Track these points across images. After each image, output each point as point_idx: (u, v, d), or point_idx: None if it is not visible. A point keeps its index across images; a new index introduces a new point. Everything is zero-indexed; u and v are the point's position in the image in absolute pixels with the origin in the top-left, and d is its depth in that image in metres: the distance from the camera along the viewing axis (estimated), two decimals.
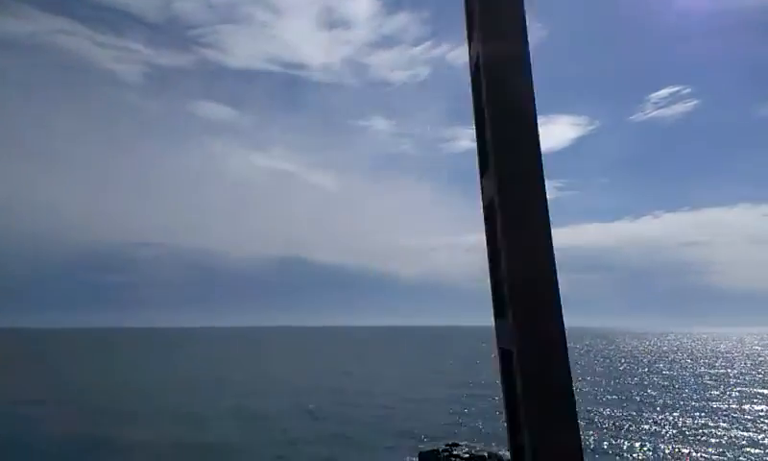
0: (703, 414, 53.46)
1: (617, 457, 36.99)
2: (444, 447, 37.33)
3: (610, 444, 40.70)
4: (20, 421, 49.88)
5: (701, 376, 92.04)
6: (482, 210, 2.55)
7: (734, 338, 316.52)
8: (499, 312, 2.47)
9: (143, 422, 49.79)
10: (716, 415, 53.15)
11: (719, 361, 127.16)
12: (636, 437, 43.15)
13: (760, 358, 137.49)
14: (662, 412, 54.71)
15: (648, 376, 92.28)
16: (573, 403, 2.13)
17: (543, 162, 2.24)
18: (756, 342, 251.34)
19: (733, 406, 58.60)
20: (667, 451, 38.46)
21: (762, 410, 56.07)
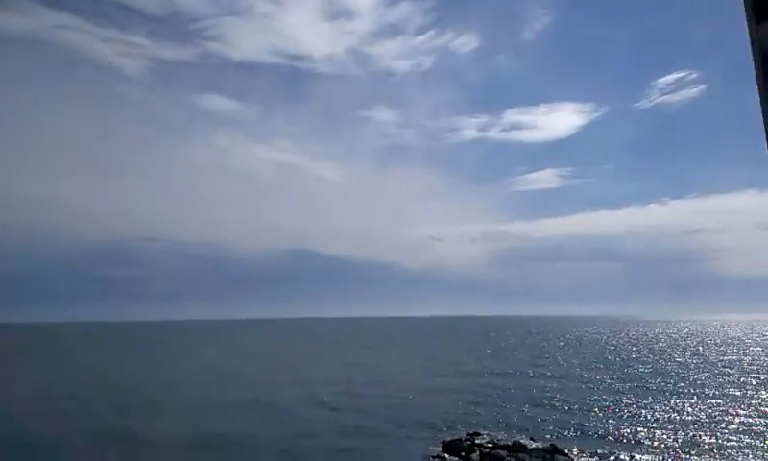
0: (720, 401, 53.34)
1: (639, 445, 36.94)
2: (465, 436, 37.53)
3: (630, 431, 40.66)
4: (40, 415, 50.37)
5: (714, 363, 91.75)
6: (754, 57, 2.44)
7: (743, 325, 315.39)
8: None
9: (162, 414, 50.17)
10: (735, 402, 53.02)
11: (730, 348, 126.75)
12: (656, 424, 43.10)
13: None
14: (679, 399, 54.61)
15: (661, 363, 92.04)
16: None
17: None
18: (765, 328, 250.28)
19: (751, 393, 58.43)
20: (688, 438, 38.39)
21: None
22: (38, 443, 39.38)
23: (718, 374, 75.69)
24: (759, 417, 45.62)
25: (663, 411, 48.36)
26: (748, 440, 38.11)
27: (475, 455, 31.40)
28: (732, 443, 37.30)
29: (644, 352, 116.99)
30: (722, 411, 48.27)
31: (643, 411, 48.56)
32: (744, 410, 48.59)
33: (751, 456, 33.92)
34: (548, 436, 38.92)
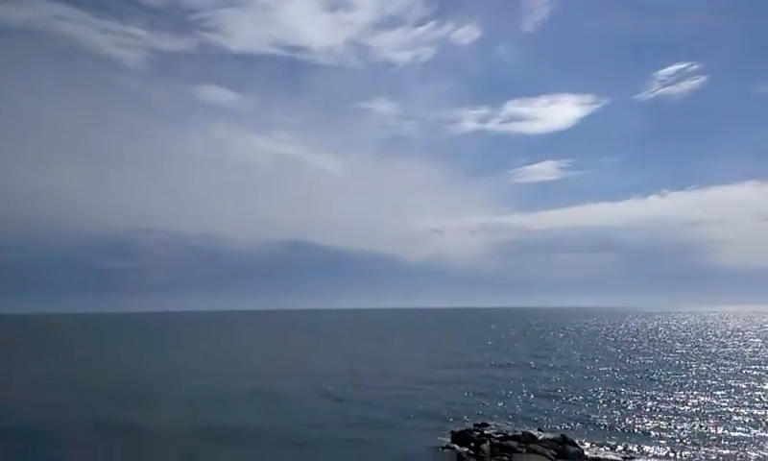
0: (724, 392, 53.21)
1: (646, 437, 36.77)
2: (473, 426, 37.35)
3: (636, 423, 40.51)
4: (41, 406, 50.02)
5: (716, 354, 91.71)
6: None
7: (743, 316, 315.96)
8: None
9: (163, 405, 49.95)
10: (738, 393, 52.88)
11: (731, 339, 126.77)
12: (662, 416, 42.96)
13: None
14: (683, 391, 54.48)
15: (662, 354, 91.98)
16: None
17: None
18: (765, 320, 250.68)
19: (754, 384, 58.31)
20: (694, 430, 38.24)
21: None
22: (40, 434, 39.15)
23: (720, 365, 75.60)
24: (765, 409, 45.45)
25: (668, 402, 48.22)
26: (755, 431, 37.96)
27: (485, 446, 31.18)
28: (738, 434, 37.16)
29: (645, 344, 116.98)
30: (727, 402, 48.13)
31: (648, 402, 48.42)
32: (748, 402, 48.44)
33: (758, 448, 33.73)
34: (556, 427, 38.76)
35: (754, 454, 32.48)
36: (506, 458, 26.91)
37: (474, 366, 78.16)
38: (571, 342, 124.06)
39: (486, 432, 35.20)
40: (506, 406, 47.52)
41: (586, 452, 30.89)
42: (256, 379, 64.89)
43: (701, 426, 39.33)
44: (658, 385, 58.40)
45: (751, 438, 36.23)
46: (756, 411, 44.43)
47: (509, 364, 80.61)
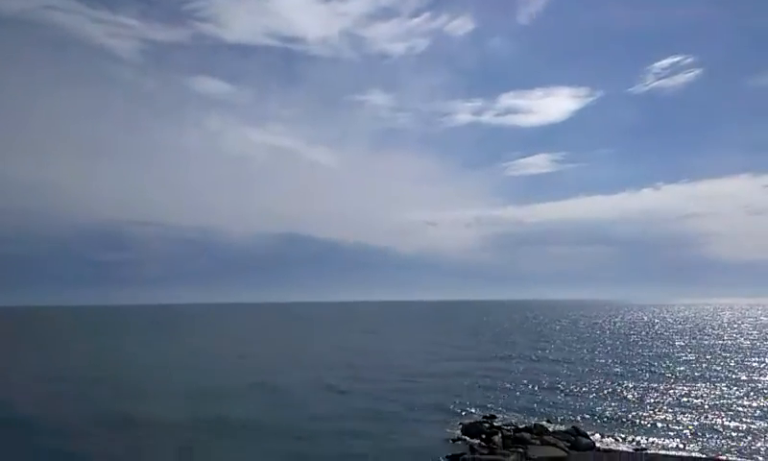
0: (725, 385, 53.38)
1: (653, 428, 36.76)
2: (481, 418, 37.24)
3: (642, 415, 40.49)
4: (41, 398, 49.72)
5: (714, 347, 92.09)
6: None
7: (737, 309, 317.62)
8: None
9: (164, 398, 49.59)
10: (740, 385, 53.05)
11: (727, 332, 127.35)
12: (666, 408, 42.99)
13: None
14: (685, 383, 54.61)
15: (661, 347, 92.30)
16: None
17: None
18: (759, 313, 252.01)
19: (754, 376, 58.46)
20: (700, 422, 38.25)
21: None
22: (41, 426, 38.85)
23: (719, 357, 75.83)
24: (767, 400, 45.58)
25: (671, 394, 48.27)
26: (761, 423, 37.97)
27: (497, 438, 31.05)
28: (743, 425, 37.18)
29: (642, 336, 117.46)
30: (730, 394, 48.27)
31: (652, 394, 48.48)
32: (753, 393, 48.57)
33: (764, 439, 33.75)
34: (560, 418, 38.70)
35: (760, 444, 32.51)
36: (521, 450, 26.77)
37: (474, 359, 78.09)
38: (568, 334, 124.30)
39: (495, 424, 35.14)
40: (511, 399, 47.42)
41: (597, 444, 30.83)
42: (256, 372, 64.58)
43: (706, 418, 39.34)
44: (659, 377, 58.50)
45: (757, 429, 36.24)
46: (758, 402, 44.51)
47: (509, 356, 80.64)
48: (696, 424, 37.74)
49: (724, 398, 46.70)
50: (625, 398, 47.33)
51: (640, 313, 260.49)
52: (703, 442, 33.17)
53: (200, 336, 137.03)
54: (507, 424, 35.18)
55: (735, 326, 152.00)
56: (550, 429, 32.54)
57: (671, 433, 35.19)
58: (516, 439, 30.03)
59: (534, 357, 78.66)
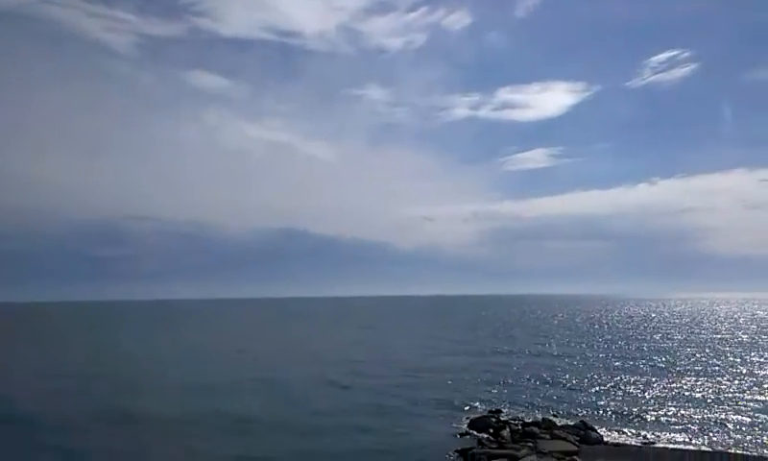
0: (727, 379, 53.48)
1: (659, 424, 36.79)
2: (487, 413, 37.22)
3: (644, 409, 40.50)
4: (41, 394, 49.48)
5: (714, 341, 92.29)
6: None
7: (733, 303, 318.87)
8: None
9: (164, 393, 49.47)
10: (741, 379, 53.20)
11: (724, 326, 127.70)
12: (669, 403, 43.00)
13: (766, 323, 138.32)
14: (686, 377, 54.65)
15: (661, 341, 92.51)
16: None
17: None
18: (756, 307, 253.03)
19: (756, 371, 58.58)
20: (704, 417, 38.27)
21: None
22: (41, 423, 38.58)
23: (719, 351, 76.03)
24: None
25: (674, 389, 48.32)
26: (765, 416, 38.02)
27: (506, 432, 31.02)
28: (749, 419, 37.23)
29: (640, 330, 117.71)
30: (733, 388, 48.33)
31: (653, 389, 48.54)
32: (756, 387, 48.68)
33: None
34: (566, 413, 38.71)
35: (767, 438, 32.58)
36: (531, 444, 26.75)
37: (474, 354, 78.17)
38: (567, 329, 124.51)
39: (502, 419, 35.15)
40: (514, 394, 47.41)
41: (605, 438, 30.84)
42: (256, 368, 64.57)
43: (710, 412, 39.39)
44: (660, 371, 58.58)
45: (762, 423, 36.30)
46: (761, 396, 44.59)
47: (510, 351, 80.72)
48: (700, 417, 37.79)
49: (727, 392, 46.76)
50: (628, 392, 47.37)
51: (637, 307, 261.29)
52: (710, 436, 33.18)
53: (198, 332, 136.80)
54: (513, 419, 35.21)
55: (733, 320, 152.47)
56: (558, 424, 32.55)
57: (677, 427, 35.23)
58: (525, 433, 30.02)
59: (534, 352, 78.77)
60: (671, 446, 30.23)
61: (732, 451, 28.90)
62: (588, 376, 56.03)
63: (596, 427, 32.93)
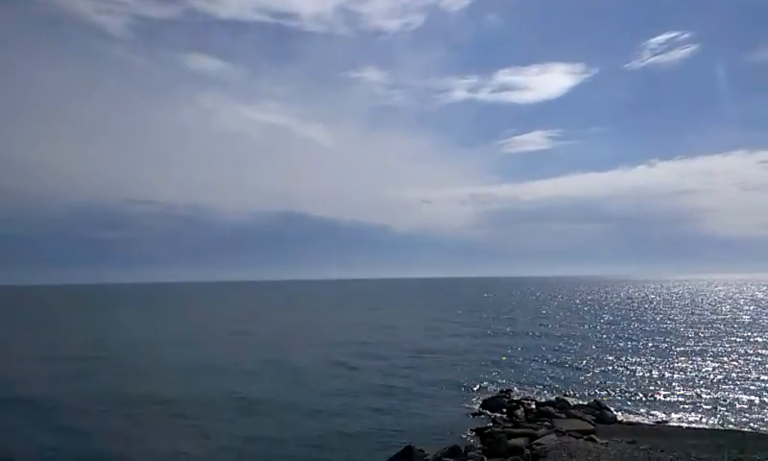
0: (731, 359, 53.68)
1: (668, 404, 36.97)
2: (498, 393, 37.31)
3: (647, 389, 40.72)
4: (42, 377, 49.37)
5: (714, 322, 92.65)
6: None
7: (732, 285, 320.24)
8: None
9: (170, 376, 49.35)
10: (746, 360, 53.35)
11: (725, 307, 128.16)
12: (676, 384, 43.19)
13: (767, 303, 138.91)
14: (691, 358, 54.89)
15: (663, 323, 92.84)
16: None
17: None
18: (754, 288, 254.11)
19: (761, 351, 58.76)
20: (712, 397, 38.42)
21: None
22: (52, 405, 38.38)
23: (721, 332, 76.29)
24: None
25: (678, 369, 48.51)
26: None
27: (520, 412, 31.14)
28: (758, 399, 37.37)
29: (640, 312, 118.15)
30: (738, 368, 48.49)
31: (659, 369, 48.76)
32: (761, 367, 48.88)
33: None
34: (577, 393, 38.87)
35: None
36: (547, 423, 26.84)
37: (479, 335, 78.42)
38: (568, 310, 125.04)
39: (514, 399, 35.28)
40: (521, 374, 47.58)
41: (619, 418, 30.97)
42: (260, 350, 64.66)
43: (719, 392, 39.51)
44: (663, 352, 58.81)
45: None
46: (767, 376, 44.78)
47: (513, 333, 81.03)
48: (709, 397, 37.95)
49: (733, 372, 46.94)
50: (634, 373, 47.56)
51: (636, 289, 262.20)
52: (721, 415, 33.34)
53: (198, 314, 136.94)
54: (525, 399, 35.36)
55: (732, 301, 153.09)
56: (572, 403, 32.66)
57: (687, 407, 35.39)
58: (539, 413, 30.11)
59: (537, 333, 79.06)
60: (685, 425, 30.36)
61: (747, 430, 28.98)
62: (594, 356, 56.28)
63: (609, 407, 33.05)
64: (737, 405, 35.72)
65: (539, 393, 39.51)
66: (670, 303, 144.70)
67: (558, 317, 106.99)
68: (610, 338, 71.56)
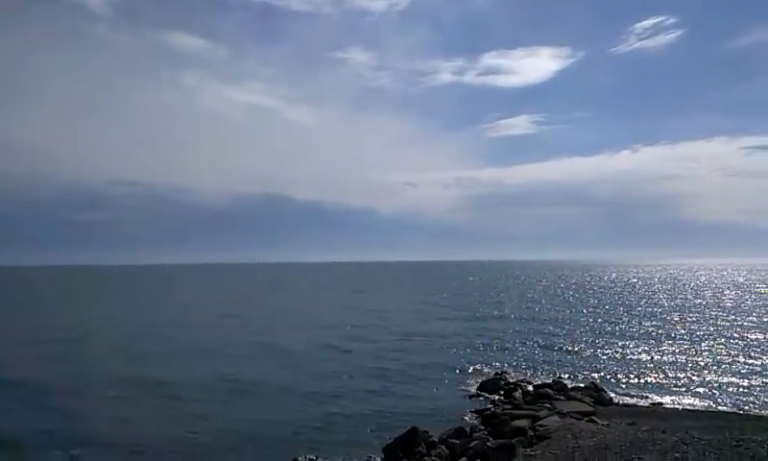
0: (717, 343, 54.44)
1: (660, 387, 37.45)
2: (493, 376, 37.53)
3: (639, 372, 41.21)
4: (34, 360, 48.80)
5: (698, 306, 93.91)
6: None
7: (712, 269, 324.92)
8: None
9: (164, 358, 49.07)
10: (733, 343, 54.17)
11: (708, 292, 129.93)
12: (663, 366, 43.75)
13: (751, 288, 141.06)
14: (678, 342, 55.59)
15: (646, 306, 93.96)
16: None
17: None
18: (735, 273, 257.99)
19: (745, 335, 59.57)
20: (700, 380, 38.99)
21: None
22: (44, 387, 37.92)
23: (707, 316, 77.32)
24: (762, 357, 46.61)
25: (669, 353, 49.12)
26: (764, 380, 38.81)
27: (517, 394, 31.38)
28: (746, 382, 37.99)
29: (625, 296, 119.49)
30: (727, 352, 49.18)
31: (649, 352, 49.37)
32: (748, 350, 49.66)
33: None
34: (571, 376, 39.23)
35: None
36: (548, 405, 27.07)
37: (467, 319, 78.79)
38: (554, 295, 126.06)
39: (510, 381, 35.54)
40: (514, 357, 47.95)
41: (615, 400, 31.33)
42: (253, 333, 64.44)
43: (708, 375, 40.08)
44: (653, 336, 59.41)
45: (760, 385, 37.07)
46: (753, 360, 45.45)
47: (501, 316, 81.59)
48: (699, 380, 38.48)
49: (720, 355, 47.65)
50: (623, 355, 48.10)
51: (619, 273, 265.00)
52: (713, 398, 33.86)
53: (184, 297, 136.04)
54: (521, 381, 35.63)
55: (714, 285, 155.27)
56: (570, 386, 32.95)
57: (679, 390, 35.87)
58: (538, 395, 30.35)
59: (525, 317, 79.65)
60: (680, 407, 30.78)
61: (740, 412, 29.45)
62: (583, 340, 56.84)
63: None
64: (729, 388, 36.30)
65: (532, 375, 39.88)
66: (654, 288, 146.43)
67: (544, 301, 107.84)
68: (597, 322, 72.31)
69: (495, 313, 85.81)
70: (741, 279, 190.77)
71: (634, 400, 32.29)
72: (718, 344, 53.40)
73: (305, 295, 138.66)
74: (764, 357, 46.35)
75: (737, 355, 47.26)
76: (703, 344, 53.61)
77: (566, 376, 39.18)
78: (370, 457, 23.11)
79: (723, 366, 43.22)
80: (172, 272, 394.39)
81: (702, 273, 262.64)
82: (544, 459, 18.77)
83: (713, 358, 46.20)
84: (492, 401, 31.23)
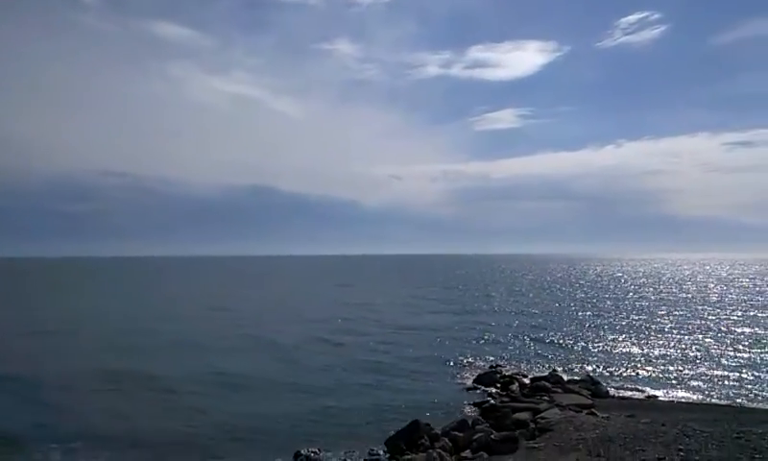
0: (706, 336, 55.07)
1: (654, 380, 37.81)
2: (489, 369, 37.66)
3: (631, 365, 41.61)
4: (26, 353, 48.18)
5: (684, 300, 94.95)
6: None
7: (694, 263, 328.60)
8: None
9: (159, 351, 48.66)
10: (721, 337, 54.82)
11: (693, 286, 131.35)
12: (655, 359, 44.19)
13: (734, 282, 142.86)
14: (667, 335, 56.18)
15: (633, 299, 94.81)
16: None
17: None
18: (718, 267, 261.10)
19: (733, 328, 60.34)
20: (692, 373, 39.42)
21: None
22: (35, 381, 37.39)
23: (694, 310, 78.17)
24: (750, 350, 47.22)
25: (660, 346, 49.60)
26: (756, 373, 39.27)
27: (514, 387, 31.54)
28: (737, 374, 38.46)
29: (612, 289, 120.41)
30: (717, 345, 49.75)
31: (641, 346, 49.83)
32: (736, 343, 50.25)
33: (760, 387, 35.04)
34: (566, 369, 39.47)
35: (757, 391, 33.78)
36: (547, 398, 27.22)
37: (458, 312, 79.02)
38: (541, 288, 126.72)
39: (506, 374, 35.68)
40: (506, 350, 48.18)
41: (612, 392, 31.59)
42: (243, 326, 64.05)
43: (699, 368, 40.56)
44: (642, 329, 59.86)
45: (750, 379, 37.54)
46: (742, 353, 46.04)
47: (490, 309, 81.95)
48: (691, 374, 38.90)
49: (710, 348, 48.19)
50: (614, 348, 48.52)
51: (604, 267, 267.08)
52: (707, 390, 34.26)
53: (172, 289, 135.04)
54: (516, 374, 35.78)
55: (698, 280, 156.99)
56: (566, 379, 33.16)
57: (672, 383, 36.25)
58: (535, 388, 30.49)
59: (514, 310, 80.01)
60: (674, 399, 31.09)
61: (735, 405, 29.82)
62: (573, 333, 57.24)
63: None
64: (721, 381, 36.73)
65: (526, 368, 40.08)
66: (639, 282, 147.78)
67: (531, 295, 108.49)
68: (585, 315, 72.86)
69: (485, 307, 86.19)
70: (724, 274, 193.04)
71: (630, 393, 32.57)
72: (706, 337, 54.01)
73: (292, 288, 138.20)
74: (752, 350, 46.93)
75: (726, 349, 47.82)
76: (691, 337, 54.20)
77: (560, 368, 39.41)
78: (372, 450, 23.08)
79: (713, 359, 43.72)
80: (161, 264, 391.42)
81: (685, 267, 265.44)
82: (548, 451, 18.90)
83: (703, 352, 46.71)
84: (490, 394, 31.36)
